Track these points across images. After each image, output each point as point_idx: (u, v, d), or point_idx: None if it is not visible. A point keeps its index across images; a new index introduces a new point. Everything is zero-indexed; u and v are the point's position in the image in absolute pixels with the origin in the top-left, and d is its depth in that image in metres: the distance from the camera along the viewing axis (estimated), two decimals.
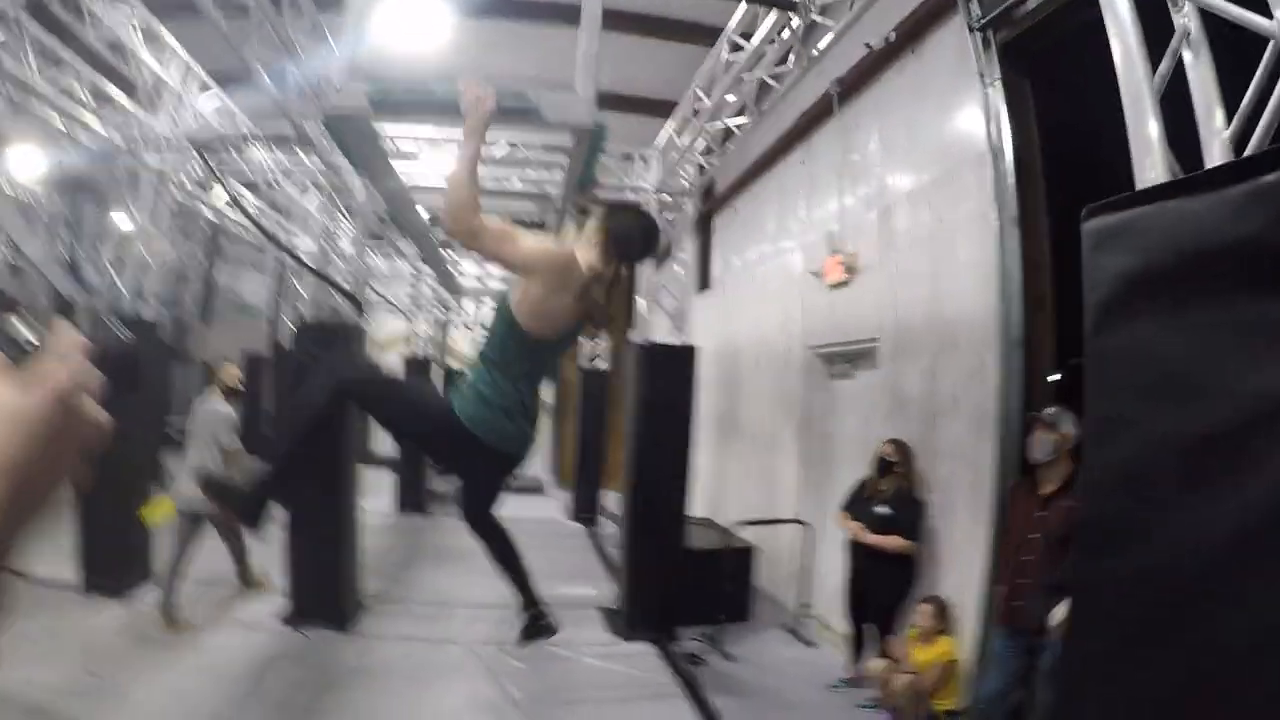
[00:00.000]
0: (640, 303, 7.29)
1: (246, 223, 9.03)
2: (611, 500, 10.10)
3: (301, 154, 7.43)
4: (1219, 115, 2.01)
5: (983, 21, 4.62)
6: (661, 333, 7.18)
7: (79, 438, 0.60)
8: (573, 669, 5.37)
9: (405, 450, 10.78)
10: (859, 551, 5.27)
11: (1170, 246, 1.79)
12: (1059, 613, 3.16)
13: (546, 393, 3.21)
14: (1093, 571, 1.88)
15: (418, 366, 11.34)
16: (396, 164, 7.02)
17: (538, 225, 6.92)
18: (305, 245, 8.48)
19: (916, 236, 5.59)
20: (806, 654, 6.15)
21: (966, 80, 4.92)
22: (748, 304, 9.06)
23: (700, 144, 6.09)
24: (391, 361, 12.57)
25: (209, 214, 9.70)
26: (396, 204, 5.24)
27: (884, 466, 5.23)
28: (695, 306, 10.46)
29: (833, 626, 6.24)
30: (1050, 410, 4.05)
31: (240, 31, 4.09)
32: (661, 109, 6.59)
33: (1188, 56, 2.08)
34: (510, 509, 3.32)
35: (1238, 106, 1.97)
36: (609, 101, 8.97)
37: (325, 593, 5.65)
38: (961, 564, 4.80)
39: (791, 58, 4.39)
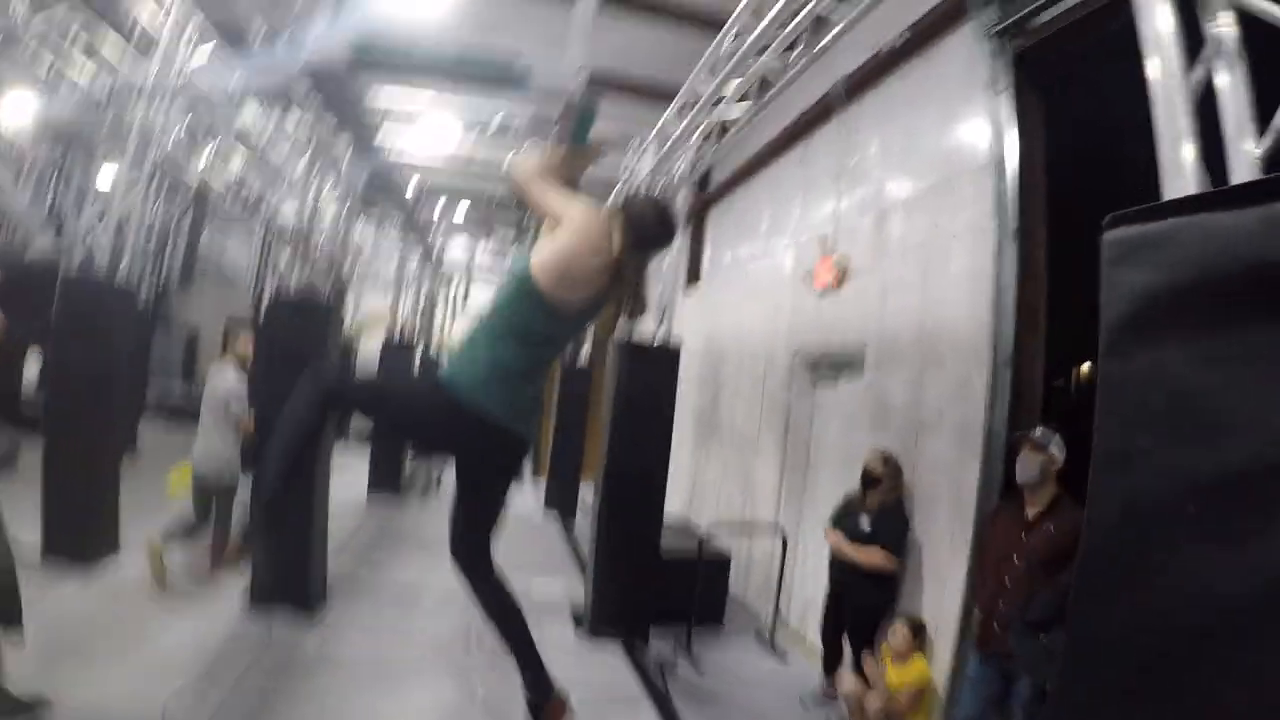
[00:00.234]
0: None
1: (230, 184, 8.76)
2: (588, 493, 9.99)
3: (293, 115, 7.19)
4: (1250, 133, 1.88)
5: (998, 29, 4.50)
6: (646, 324, 7.04)
7: None
8: None
9: (379, 427, 10.62)
10: (839, 565, 5.16)
11: (1199, 264, 1.64)
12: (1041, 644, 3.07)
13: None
14: (1090, 612, 1.74)
15: (399, 348, 11.13)
16: (394, 129, 6.92)
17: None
18: (291, 210, 8.24)
19: (911, 244, 5.48)
20: (777, 665, 6.04)
21: (974, 88, 4.81)
22: (735, 302, 8.94)
23: (697, 133, 5.94)
24: (371, 343, 12.37)
25: (195, 172, 9.42)
26: (378, 170, 5.06)
27: (869, 479, 5.11)
28: (681, 300, 10.36)
29: (806, 638, 6.15)
30: (1039, 431, 3.94)
31: None
32: (661, 95, 6.42)
33: (1220, 70, 1.96)
34: None
35: (1267, 123, 1.85)
36: (608, 83, 8.89)
37: (291, 575, 5.47)
38: (940, 583, 4.70)
39: (798, 49, 4.24)
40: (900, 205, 5.67)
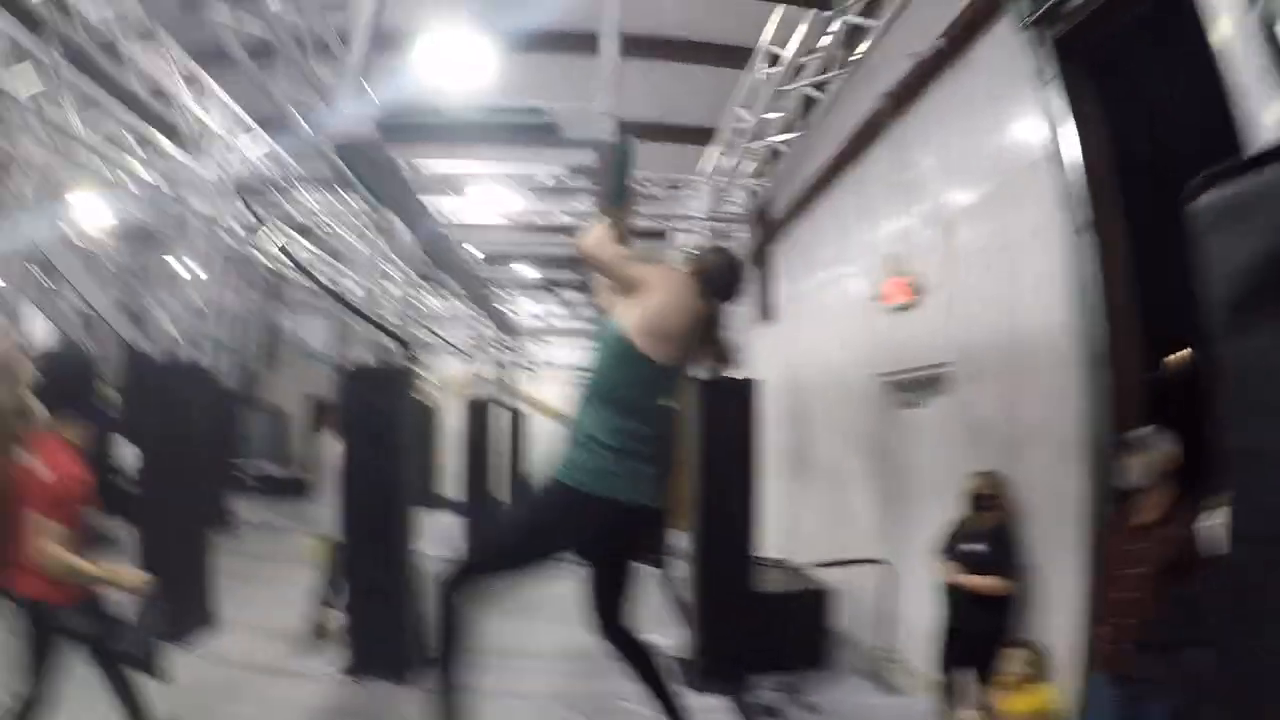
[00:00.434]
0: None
1: (295, 267, 9.18)
2: (681, 540, 9.84)
3: (344, 194, 7.50)
4: None
5: (1033, 18, 4.34)
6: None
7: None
8: None
9: (470, 493, 10.77)
10: (951, 593, 4.88)
11: None
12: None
13: None
14: (1241, 636, 1.49)
15: (480, 408, 11.31)
16: (444, 200, 7.12)
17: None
18: (356, 288, 8.54)
19: (981, 251, 5.27)
20: (891, 702, 5.74)
21: (1020, 82, 4.62)
22: (812, 333, 8.76)
23: (748, 166, 5.91)
24: (452, 406, 12.59)
25: (263, 259, 9.92)
26: (432, 241, 5.18)
27: (977, 501, 4.84)
28: (757, 338, 10.23)
29: (919, 672, 5.83)
30: (1142, 431, 3.65)
31: (271, 75, 4.13)
32: (708, 136, 6.45)
33: None
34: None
35: None
36: (653, 131, 8.98)
37: (385, 644, 5.53)
38: (1055, 604, 4.39)
39: (834, 67, 4.18)
40: (964, 213, 5.47)
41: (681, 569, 7.72)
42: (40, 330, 8.62)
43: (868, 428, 7.12)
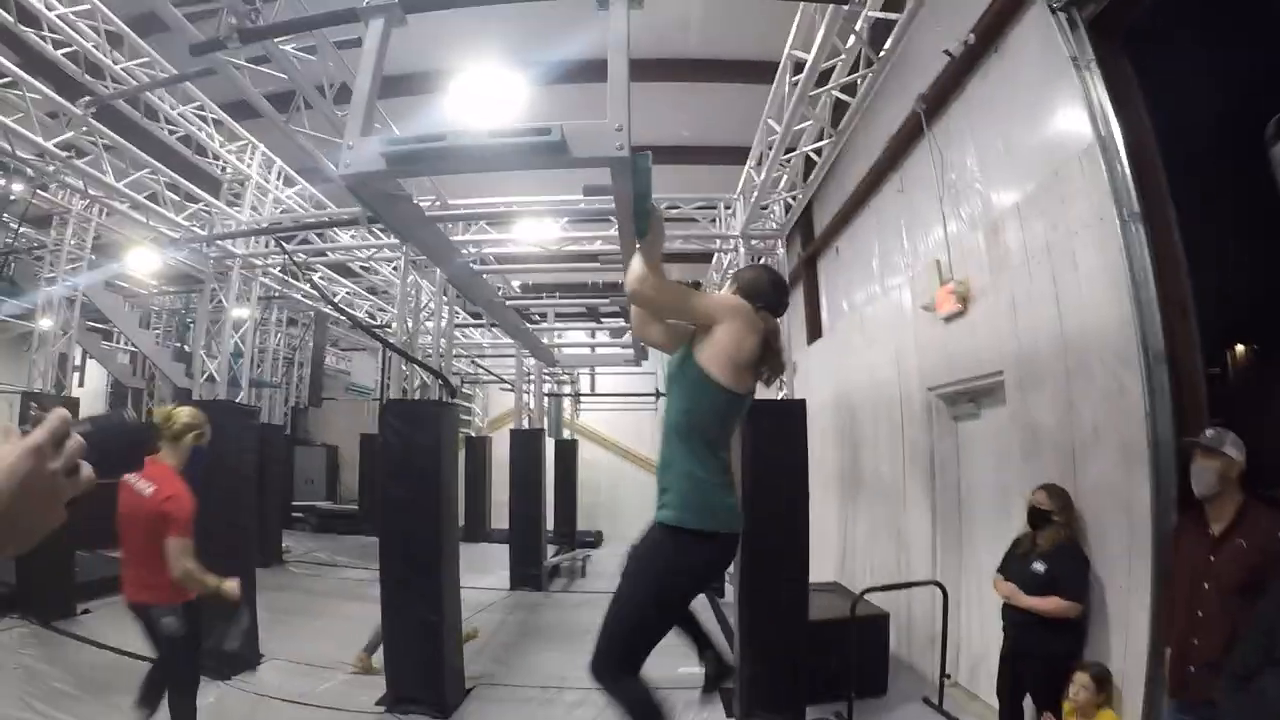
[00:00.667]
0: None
1: (333, 307, 9.39)
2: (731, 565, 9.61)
3: (380, 232, 7.65)
4: None
5: (1063, 1, 4.15)
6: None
7: (55, 483, 0.82)
8: None
9: (517, 525, 10.73)
10: (1013, 615, 4.57)
11: None
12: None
13: None
14: None
15: (528, 437, 11.29)
16: (488, 233, 7.19)
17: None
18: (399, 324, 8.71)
19: (1031, 251, 5.02)
20: None
21: (1057, 70, 4.43)
22: (861, 348, 8.54)
23: (783, 179, 5.78)
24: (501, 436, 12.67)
25: (306, 300, 10.16)
26: (459, 273, 5.18)
27: (1038, 517, 4.54)
28: (805, 357, 10.02)
29: (980, 697, 5.52)
30: (1210, 432, 3.36)
31: (297, 120, 4.19)
32: (745, 155, 6.36)
33: None
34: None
35: None
36: (687, 154, 8.95)
37: (427, 677, 5.45)
38: (1121, 624, 4.08)
39: (861, 68, 4.04)
40: (1011, 212, 5.24)
41: (731, 594, 7.52)
42: (92, 373, 8.94)
43: (921, 443, 6.86)
